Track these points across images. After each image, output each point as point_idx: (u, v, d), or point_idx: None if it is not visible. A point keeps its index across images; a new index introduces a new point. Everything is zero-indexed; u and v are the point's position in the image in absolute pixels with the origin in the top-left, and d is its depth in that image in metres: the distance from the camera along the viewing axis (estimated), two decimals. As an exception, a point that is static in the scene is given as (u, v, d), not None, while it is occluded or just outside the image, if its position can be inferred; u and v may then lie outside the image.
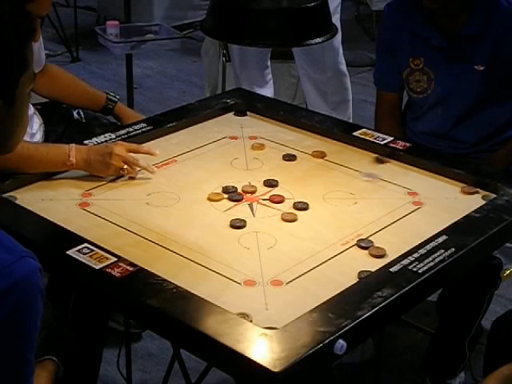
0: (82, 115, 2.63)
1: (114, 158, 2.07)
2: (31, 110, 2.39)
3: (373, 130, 2.40)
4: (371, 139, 2.31)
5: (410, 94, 2.61)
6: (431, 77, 2.52)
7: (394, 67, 2.59)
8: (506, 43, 2.43)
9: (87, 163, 2.08)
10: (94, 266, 1.68)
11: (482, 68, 2.45)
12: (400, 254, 1.76)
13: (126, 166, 2.09)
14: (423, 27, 2.48)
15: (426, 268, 1.71)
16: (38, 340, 1.36)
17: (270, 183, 2.11)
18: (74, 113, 2.61)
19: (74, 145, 2.09)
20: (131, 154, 2.11)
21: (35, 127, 2.41)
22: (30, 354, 1.35)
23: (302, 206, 2.00)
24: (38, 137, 2.41)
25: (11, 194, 2.01)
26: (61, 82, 2.58)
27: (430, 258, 1.74)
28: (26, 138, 2.23)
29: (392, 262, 1.74)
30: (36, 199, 1.99)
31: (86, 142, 2.21)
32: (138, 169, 2.11)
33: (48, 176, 2.09)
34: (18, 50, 1.37)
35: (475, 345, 2.55)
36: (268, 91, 3.91)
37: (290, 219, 1.95)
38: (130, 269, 1.67)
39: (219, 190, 2.06)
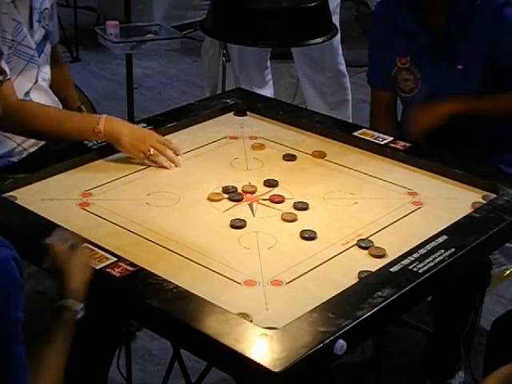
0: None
1: (143, 144, 2.12)
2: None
3: (373, 130, 2.40)
4: (371, 139, 2.31)
5: (399, 94, 2.61)
6: (418, 76, 2.52)
7: (386, 66, 2.59)
8: (483, 41, 2.42)
9: (115, 136, 2.12)
10: (93, 266, 1.68)
11: (461, 67, 2.45)
12: (400, 254, 1.76)
13: (152, 150, 2.13)
14: (410, 26, 2.49)
15: (426, 268, 1.71)
16: (22, 332, 1.32)
17: (270, 183, 2.11)
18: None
19: (106, 115, 2.14)
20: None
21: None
22: (14, 346, 1.31)
23: (301, 206, 2.00)
24: None
25: (11, 193, 2.01)
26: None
27: (430, 258, 1.75)
28: None
29: (392, 262, 1.74)
30: (36, 199, 1.99)
31: (86, 141, 2.22)
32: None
33: (48, 176, 2.09)
34: None
35: (470, 344, 2.54)
36: (268, 91, 3.91)
37: (289, 219, 1.95)
38: (130, 269, 1.67)
39: (219, 190, 2.06)
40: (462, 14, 2.42)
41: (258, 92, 3.58)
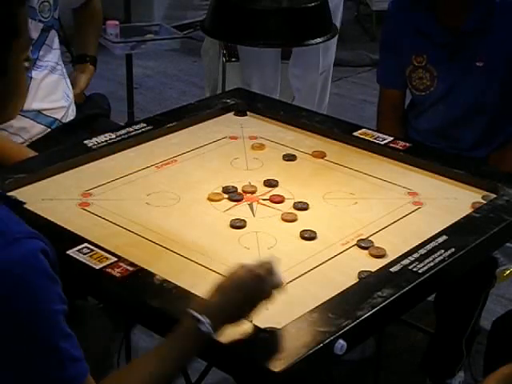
0: None
1: None
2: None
3: (373, 129, 2.40)
4: (371, 139, 2.31)
5: (413, 92, 2.61)
6: (434, 74, 2.52)
7: (398, 65, 2.59)
8: (504, 39, 2.42)
9: None
10: (94, 266, 1.68)
11: (481, 64, 2.45)
12: (400, 254, 1.76)
13: None
14: (426, 24, 2.48)
15: (426, 268, 1.71)
16: (63, 325, 1.29)
17: (270, 183, 2.11)
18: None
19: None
20: None
21: None
22: (53, 340, 1.27)
23: (302, 206, 2.00)
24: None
25: (11, 194, 2.00)
26: None
27: (430, 258, 1.74)
28: None
29: (392, 262, 1.74)
30: (36, 199, 1.99)
31: (85, 141, 2.22)
32: None
33: (48, 176, 2.09)
34: (7, 16, 1.33)
35: (472, 344, 2.55)
36: (275, 92, 3.92)
37: (289, 219, 1.95)
38: (130, 269, 1.67)
39: (219, 190, 2.06)
40: (481, 13, 2.41)
41: (269, 92, 3.59)
